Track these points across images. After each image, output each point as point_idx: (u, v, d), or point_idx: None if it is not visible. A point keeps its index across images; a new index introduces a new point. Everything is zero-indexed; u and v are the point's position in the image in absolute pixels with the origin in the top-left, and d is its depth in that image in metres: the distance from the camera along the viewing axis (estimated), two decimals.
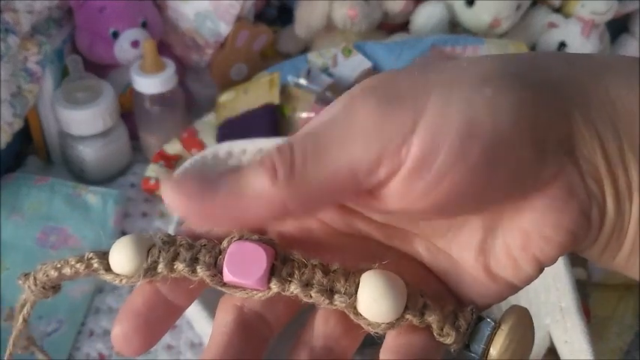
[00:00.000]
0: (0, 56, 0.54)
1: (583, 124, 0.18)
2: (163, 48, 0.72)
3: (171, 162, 0.64)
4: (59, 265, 0.22)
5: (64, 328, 0.50)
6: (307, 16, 0.74)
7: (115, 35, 0.64)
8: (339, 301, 0.20)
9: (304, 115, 0.60)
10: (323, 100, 0.61)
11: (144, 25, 0.66)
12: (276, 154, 0.18)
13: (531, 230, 0.19)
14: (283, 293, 0.20)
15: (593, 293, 0.52)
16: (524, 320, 0.21)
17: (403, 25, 0.80)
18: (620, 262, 0.20)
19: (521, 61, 0.19)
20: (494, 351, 0.21)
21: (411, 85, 0.18)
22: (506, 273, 0.21)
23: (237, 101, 0.64)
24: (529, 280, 0.21)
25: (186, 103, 0.69)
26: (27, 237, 0.55)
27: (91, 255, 0.21)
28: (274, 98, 0.60)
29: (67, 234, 0.56)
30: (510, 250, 0.20)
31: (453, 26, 0.78)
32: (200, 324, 0.33)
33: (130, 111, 0.66)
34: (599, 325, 0.50)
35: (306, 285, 0.20)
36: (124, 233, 0.59)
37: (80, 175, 0.64)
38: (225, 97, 0.65)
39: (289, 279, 0.20)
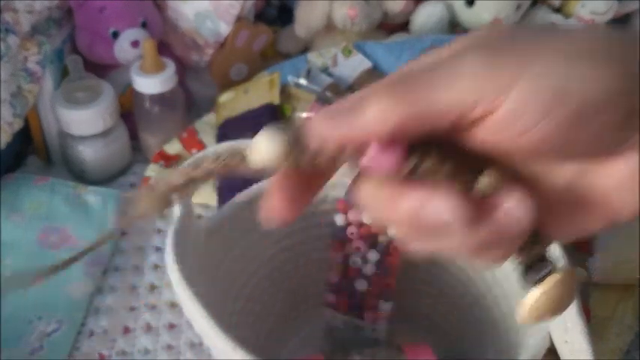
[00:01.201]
0: (0, 56, 0.54)
1: None
2: (163, 48, 0.72)
3: (171, 162, 0.64)
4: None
5: (64, 329, 0.50)
6: (307, 16, 0.74)
7: (115, 35, 0.64)
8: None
9: (304, 114, 0.60)
10: (323, 100, 0.61)
11: (144, 25, 0.66)
12: (394, 79, 0.20)
13: (611, 191, 0.21)
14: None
15: (593, 293, 0.52)
16: (572, 280, 0.23)
17: (403, 25, 0.80)
18: None
19: (624, 43, 0.20)
20: (540, 289, 0.22)
21: (520, 45, 0.20)
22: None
23: (237, 101, 0.64)
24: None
25: (186, 103, 0.69)
26: (27, 237, 0.55)
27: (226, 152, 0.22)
28: (274, 98, 0.61)
29: (67, 234, 0.56)
30: (592, 200, 0.21)
31: (453, 26, 0.78)
32: (200, 324, 0.33)
33: (130, 111, 0.66)
34: (599, 325, 0.50)
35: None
36: (123, 234, 0.60)
37: (80, 175, 0.64)
38: (225, 97, 0.65)
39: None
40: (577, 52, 0.20)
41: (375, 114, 0.20)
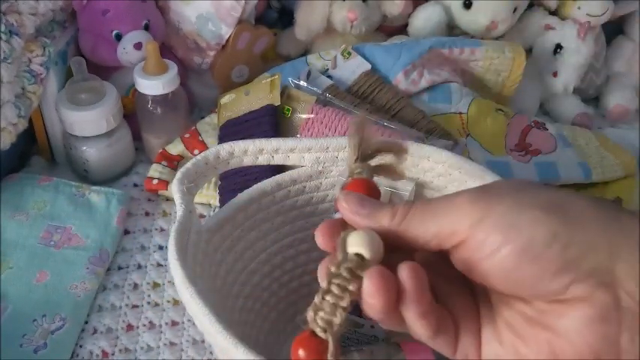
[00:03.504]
0: (4, 58, 0.54)
1: (625, 263, 0.23)
2: (166, 50, 0.73)
3: (173, 162, 0.65)
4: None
5: (68, 326, 0.50)
6: (307, 19, 0.74)
7: (118, 37, 0.65)
8: None
9: (304, 116, 0.60)
10: (323, 102, 0.62)
11: (146, 27, 0.66)
12: (402, 205, 0.27)
13: (572, 334, 0.24)
14: None
15: None
16: None
17: (402, 28, 0.80)
18: None
19: (577, 203, 0.25)
20: None
21: (495, 193, 0.25)
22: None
23: (238, 102, 0.64)
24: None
25: (188, 105, 0.69)
26: (30, 236, 0.55)
27: None
28: (275, 100, 0.61)
29: (71, 233, 0.56)
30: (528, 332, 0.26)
31: (451, 29, 0.78)
32: (201, 321, 0.33)
33: (132, 112, 0.66)
34: None
35: None
36: (127, 233, 0.60)
37: (84, 175, 0.65)
38: (226, 99, 0.66)
39: None
40: (535, 203, 0.24)
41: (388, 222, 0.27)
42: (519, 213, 0.24)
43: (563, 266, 0.23)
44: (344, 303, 0.26)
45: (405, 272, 0.25)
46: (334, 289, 0.26)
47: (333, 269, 0.26)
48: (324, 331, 0.26)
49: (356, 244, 0.26)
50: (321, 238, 0.28)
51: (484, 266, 0.25)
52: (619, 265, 0.23)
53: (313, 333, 0.26)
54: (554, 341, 0.24)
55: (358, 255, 0.26)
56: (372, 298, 0.25)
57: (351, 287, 0.25)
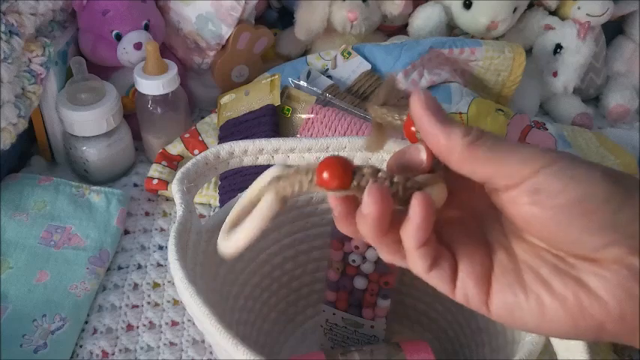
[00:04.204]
0: (4, 58, 0.54)
1: None
2: (166, 50, 0.73)
3: (173, 162, 0.65)
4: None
5: (68, 326, 0.50)
6: (307, 19, 0.74)
7: (118, 37, 0.65)
8: None
9: (304, 116, 0.60)
10: (323, 102, 0.62)
11: (146, 27, 0.66)
12: (474, 131, 0.26)
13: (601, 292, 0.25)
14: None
15: None
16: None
17: (402, 28, 0.80)
18: None
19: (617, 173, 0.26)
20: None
21: (562, 153, 0.26)
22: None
23: (238, 102, 0.64)
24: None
25: (188, 105, 0.69)
26: (30, 236, 0.55)
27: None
28: (275, 99, 0.61)
29: (71, 233, 0.56)
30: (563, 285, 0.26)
31: (451, 28, 0.78)
32: (202, 321, 0.33)
33: (132, 112, 0.66)
34: None
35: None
36: (127, 233, 0.60)
37: (84, 175, 0.65)
38: (226, 99, 0.66)
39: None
40: (597, 167, 0.25)
41: (460, 138, 0.27)
42: (582, 168, 0.25)
43: (609, 225, 0.24)
44: None
45: (416, 200, 0.25)
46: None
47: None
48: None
49: None
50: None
51: (532, 211, 0.25)
52: None
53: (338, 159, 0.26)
54: (582, 295, 0.25)
55: None
56: (368, 207, 0.26)
57: None
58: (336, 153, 0.44)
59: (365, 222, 0.26)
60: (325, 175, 0.26)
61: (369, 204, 0.25)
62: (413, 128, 0.29)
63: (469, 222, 0.29)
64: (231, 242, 0.28)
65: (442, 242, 0.28)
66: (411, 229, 0.26)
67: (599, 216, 0.25)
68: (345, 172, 0.26)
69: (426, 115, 0.27)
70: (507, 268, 0.27)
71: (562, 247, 0.26)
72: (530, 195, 0.25)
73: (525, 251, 0.27)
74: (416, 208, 0.25)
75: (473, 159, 0.26)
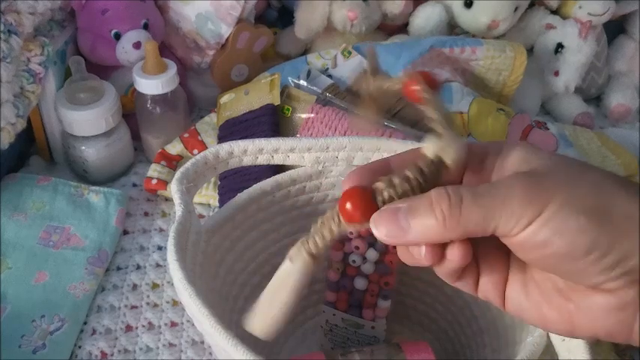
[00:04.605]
0: (3, 57, 0.54)
1: None
2: (165, 49, 0.73)
3: (172, 162, 0.64)
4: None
5: (67, 327, 0.50)
6: (307, 18, 0.74)
7: (117, 37, 0.65)
8: None
9: (304, 115, 0.60)
10: (323, 101, 0.62)
11: (145, 26, 0.66)
12: (443, 199, 0.26)
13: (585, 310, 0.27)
14: None
15: None
16: None
17: (402, 27, 0.80)
18: None
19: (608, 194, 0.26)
20: None
21: (549, 191, 0.26)
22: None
23: (238, 102, 0.64)
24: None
25: (188, 104, 0.69)
26: (29, 236, 0.55)
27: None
28: (275, 99, 0.61)
29: (69, 233, 0.56)
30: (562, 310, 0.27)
31: (452, 28, 0.78)
32: (201, 322, 0.33)
33: (132, 112, 0.66)
34: None
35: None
36: (126, 233, 0.60)
37: (83, 175, 0.64)
38: (226, 98, 0.66)
39: None
40: (582, 207, 0.25)
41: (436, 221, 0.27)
42: (566, 219, 0.25)
43: (598, 271, 0.25)
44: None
45: (452, 250, 0.27)
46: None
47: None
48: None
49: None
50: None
51: (526, 254, 0.27)
52: None
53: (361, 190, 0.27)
54: (575, 314, 0.27)
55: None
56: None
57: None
58: (337, 153, 0.44)
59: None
60: (349, 207, 0.26)
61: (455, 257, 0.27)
62: (414, 87, 0.28)
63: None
64: (267, 321, 0.27)
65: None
66: (446, 270, 0.28)
67: (585, 264, 0.25)
68: (365, 201, 0.26)
69: (394, 241, 0.28)
70: (519, 274, 0.29)
71: (562, 278, 0.27)
72: (519, 242, 0.26)
73: (534, 268, 0.29)
74: (454, 255, 0.27)
75: (457, 232, 0.26)
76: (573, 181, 0.26)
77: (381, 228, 0.27)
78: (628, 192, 0.26)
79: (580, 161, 0.28)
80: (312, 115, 0.60)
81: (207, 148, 0.62)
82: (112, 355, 0.50)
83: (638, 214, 0.25)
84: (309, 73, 0.66)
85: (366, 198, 0.26)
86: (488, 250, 0.29)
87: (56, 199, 0.59)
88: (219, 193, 0.60)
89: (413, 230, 0.26)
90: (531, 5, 0.78)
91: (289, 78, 0.65)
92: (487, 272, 0.29)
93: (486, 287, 0.29)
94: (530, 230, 0.25)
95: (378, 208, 0.26)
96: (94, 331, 0.51)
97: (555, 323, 0.28)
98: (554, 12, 0.78)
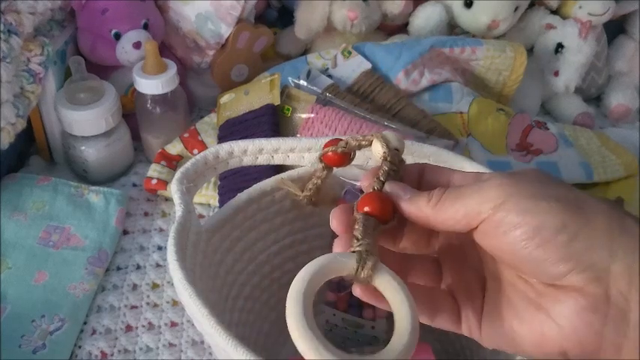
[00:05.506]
0: (3, 57, 0.54)
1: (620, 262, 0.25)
2: (165, 49, 0.73)
3: (172, 162, 0.64)
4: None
5: (67, 327, 0.50)
6: (307, 18, 0.74)
7: (117, 36, 0.65)
8: None
9: (304, 115, 0.60)
10: (323, 101, 0.62)
11: (145, 26, 0.66)
12: (437, 190, 0.29)
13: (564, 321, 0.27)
14: None
15: None
16: None
17: (402, 27, 0.80)
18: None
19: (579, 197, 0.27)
20: None
21: (520, 182, 0.27)
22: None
23: (238, 102, 0.64)
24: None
25: (188, 104, 0.69)
26: (29, 236, 0.55)
27: None
28: (275, 99, 0.61)
29: (69, 233, 0.56)
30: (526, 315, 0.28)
31: (452, 28, 0.78)
32: (201, 322, 0.33)
33: (132, 112, 0.66)
34: None
35: None
36: (126, 233, 0.60)
37: (83, 175, 0.64)
38: (226, 98, 0.66)
39: None
40: (553, 194, 0.27)
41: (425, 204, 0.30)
42: (537, 199, 0.26)
43: (565, 255, 0.25)
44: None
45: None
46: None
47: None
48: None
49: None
50: (335, 222, 0.30)
51: (499, 242, 0.27)
52: (616, 264, 0.25)
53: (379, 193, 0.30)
54: (545, 322, 0.27)
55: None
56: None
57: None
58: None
59: None
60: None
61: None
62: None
63: (468, 256, 0.32)
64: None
65: (447, 281, 0.32)
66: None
67: (553, 245, 0.26)
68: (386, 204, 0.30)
69: (397, 200, 0.30)
70: (492, 302, 0.30)
71: (530, 275, 0.28)
72: (493, 229, 0.27)
73: (508, 282, 0.30)
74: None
75: (444, 211, 0.28)
76: (545, 178, 0.28)
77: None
78: (598, 199, 0.27)
79: (553, 177, 0.30)
80: (312, 115, 0.60)
81: (207, 148, 0.62)
82: (112, 355, 0.50)
83: (606, 210, 0.26)
84: (309, 73, 0.66)
85: (386, 203, 0.30)
86: (464, 282, 0.31)
87: (56, 199, 0.59)
88: (219, 193, 0.60)
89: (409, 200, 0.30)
90: (531, 5, 0.78)
91: (289, 78, 0.65)
92: (465, 302, 0.31)
93: (468, 317, 0.31)
94: (504, 211, 0.26)
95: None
96: (94, 331, 0.51)
97: (525, 340, 0.28)
98: (554, 12, 0.78)
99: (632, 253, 0.25)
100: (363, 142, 0.34)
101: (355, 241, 0.29)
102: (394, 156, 0.32)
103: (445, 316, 0.31)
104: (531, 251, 0.26)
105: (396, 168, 0.31)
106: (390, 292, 0.28)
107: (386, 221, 0.30)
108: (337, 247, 0.30)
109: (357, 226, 0.29)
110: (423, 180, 0.32)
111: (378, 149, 0.32)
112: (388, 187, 0.31)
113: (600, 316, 0.25)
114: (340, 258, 0.28)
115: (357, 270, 0.28)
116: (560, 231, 0.25)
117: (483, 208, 0.27)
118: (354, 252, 0.28)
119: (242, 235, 0.45)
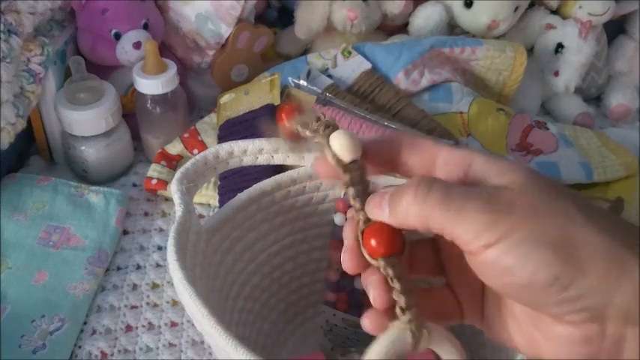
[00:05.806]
0: (3, 57, 0.54)
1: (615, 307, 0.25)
2: (165, 49, 0.73)
3: (172, 162, 0.64)
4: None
5: (67, 327, 0.50)
6: (307, 18, 0.74)
7: (117, 36, 0.65)
8: None
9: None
10: (323, 101, 0.62)
11: (145, 26, 0.66)
12: (422, 182, 0.27)
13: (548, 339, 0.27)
14: None
15: None
16: None
17: (402, 27, 0.80)
18: None
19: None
20: None
21: (514, 220, 0.25)
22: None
23: (238, 102, 0.64)
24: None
25: (188, 104, 0.69)
26: (29, 236, 0.55)
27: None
28: (275, 99, 0.61)
29: (69, 233, 0.56)
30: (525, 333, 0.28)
31: (452, 28, 0.78)
32: (201, 322, 0.33)
33: (132, 112, 0.66)
34: None
35: None
36: (126, 233, 0.60)
37: (83, 175, 0.64)
38: (226, 98, 0.66)
39: None
40: (548, 239, 0.25)
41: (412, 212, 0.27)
42: (530, 250, 0.25)
43: (558, 302, 0.25)
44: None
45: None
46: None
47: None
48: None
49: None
50: (372, 290, 0.29)
51: (489, 276, 0.27)
52: (611, 307, 0.25)
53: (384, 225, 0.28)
54: (541, 343, 0.27)
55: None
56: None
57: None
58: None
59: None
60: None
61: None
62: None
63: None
64: None
65: (448, 280, 0.31)
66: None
67: (545, 296, 0.25)
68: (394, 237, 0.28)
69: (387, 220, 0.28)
70: (491, 301, 0.30)
71: (524, 305, 0.27)
72: (483, 265, 0.26)
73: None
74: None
75: (428, 224, 0.26)
76: (544, 208, 0.26)
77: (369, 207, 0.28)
78: (599, 223, 0.26)
79: (555, 183, 0.27)
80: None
81: (207, 148, 0.62)
82: (112, 355, 0.50)
83: (606, 249, 0.25)
84: (309, 73, 0.66)
85: (395, 235, 0.28)
86: (464, 280, 0.30)
87: (56, 199, 0.59)
88: (219, 193, 0.60)
89: (389, 208, 0.28)
90: (531, 5, 0.78)
91: (289, 78, 0.65)
92: (467, 299, 0.31)
93: (469, 314, 0.31)
94: (495, 254, 0.25)
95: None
96: (94, 331, 0.51)
97: (522, 348, 0.29)
98: (554, 12, 0.78)
99: (631, 296, 0.25)
100: (316, 140, 0.29)
101: (400, 312, 0.27)
102: (355, 171, 0.28)
103: (449, 316, 0.31)
104: (523, 297, 0.26)
105: (363, 184, 0.28)
106: (445, 353, 0.28)
107: (403, 250, 0.28)
108: (376, 302, 0.28)
109: (394, 287, 0.27)
110: (400, 160, 0.29)
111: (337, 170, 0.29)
112: (368, 211, 0.28)
113: (595, 347, 0.26)
114: (395, 341, 0.27)
115: (415, 346, 0.27)
116: (553, 284, 0.25)
117: (473, 243, 0.25)
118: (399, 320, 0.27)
119: (242, 235, 0.45)
